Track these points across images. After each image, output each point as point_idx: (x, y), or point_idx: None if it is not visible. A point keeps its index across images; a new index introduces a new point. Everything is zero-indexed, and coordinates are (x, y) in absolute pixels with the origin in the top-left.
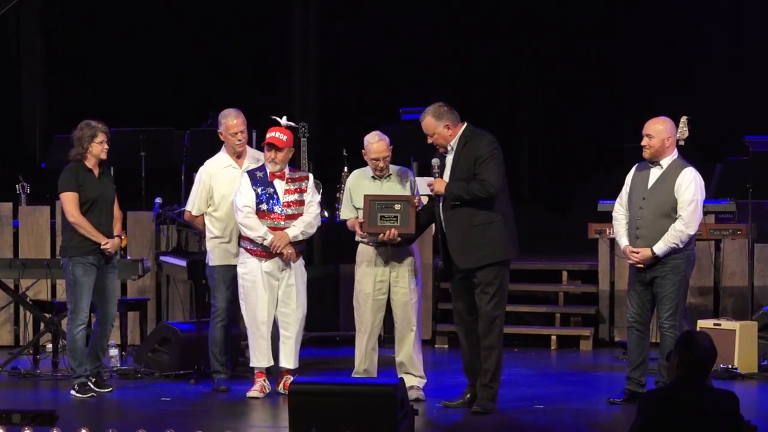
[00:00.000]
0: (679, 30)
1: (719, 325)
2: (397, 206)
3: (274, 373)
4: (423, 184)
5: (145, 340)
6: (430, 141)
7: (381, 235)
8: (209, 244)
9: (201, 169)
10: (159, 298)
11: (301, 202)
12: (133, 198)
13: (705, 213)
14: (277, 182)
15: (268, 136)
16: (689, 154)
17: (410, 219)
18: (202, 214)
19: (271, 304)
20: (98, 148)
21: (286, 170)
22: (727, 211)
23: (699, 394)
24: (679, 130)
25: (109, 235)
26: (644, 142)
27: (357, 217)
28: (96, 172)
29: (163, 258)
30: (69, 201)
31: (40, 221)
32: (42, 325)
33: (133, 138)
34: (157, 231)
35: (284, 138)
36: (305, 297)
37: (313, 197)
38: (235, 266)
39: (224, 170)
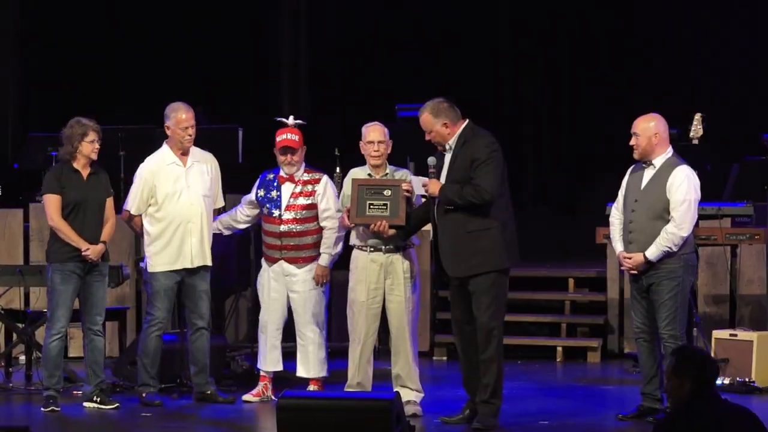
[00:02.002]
0: (693, 22)
1: (735, 335)
2: (387, 192)
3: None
4: (419, 183)
5: (124, 351)
6: (428, 138)
7: (372, 226)
8: (148, 249)
9: (142, 165)
10: (139, 307)
11: (307, 206)
12: None
13: (721, 216)
14: (285, 185)
15: (279, 139)
16: (704, 153)
17: (399, 208)
18: (141, 215)
19: (279, 310)
20: (88, 148)
21: (300, 172)
22: (744, 215)
23: (722, 412)
24: (693, 129)
25: (94, 240)
26: (632, 141)
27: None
28: (85, 173)
29: (143, 264)
30: (50, 204)
31: (12, 225)
32: (15, 336)
33: (112, 136)
34: (137, 236)
35: (296, 138)
36: (318, 303)
37: (327, 203)
38: (177, 271)
39: (168, 167)
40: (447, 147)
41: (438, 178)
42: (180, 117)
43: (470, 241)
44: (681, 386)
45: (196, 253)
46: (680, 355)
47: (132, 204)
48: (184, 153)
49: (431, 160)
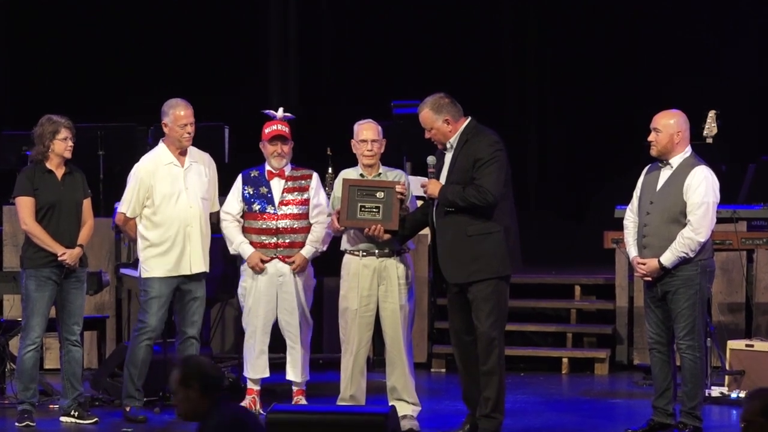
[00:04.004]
0: (707, 13)
1: (752, 346)
2: (380, 194)
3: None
4: (416, 183)
5: (104, 363)
6: (427, 136)
7: (366, 230)
8: (144, 254)
9: (137, 165)
10: (119, 315)
11: (302, 202)
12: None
13: (736, 220)
14: (274, 181)
15: (268, 130)
16: (718, 152)
17: (393, 211)
18: (135, 218)
19: (269, 313)
20: (61, 146)
21: (288, 168)
22: (761, 218)
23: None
24: (706, 126)
25: (71, 244)
26: (651, 137)
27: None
28: (59, 173)
29: (123, 271)
30: (22, 206)
31: None
32: None
33: (91, 134)
34: (116, 240)
35: (287, 129)
36: (307, 304)
37: (319, 200)
38: (175, 278)
39: (165, 167)
40: (448, 146)
41: (437, 178)
42: (179, 114)
43: (471, 246)
44: (188, 398)
45: (196, 260)
46: (184, 365)
47: (127, 206)
48: (182, 153)
49: (430, 159)
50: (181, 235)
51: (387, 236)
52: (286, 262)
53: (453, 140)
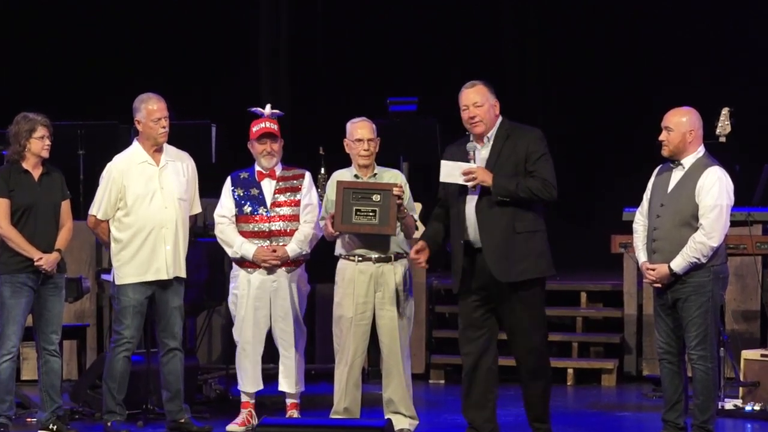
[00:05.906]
0: (717, 9)
1: (767, 356)
2: (376, 197)
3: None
4: (455, 170)
5: (84, 374)
6: (470, 115)
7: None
8: (116, 258)
9: (109, 165)
10: (100, 324)
11: (294, 203)
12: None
13: (751, 223)
14: (265, 182)
15: (256, 128)
16: (732, 152)
17: (390, 215)
18: (107, 220)
19: (262, 321)
20: (38, 145)
21: (279, 168)
22: None
23: None
24: (720, 125)
25: (48, 249)
26: (662, 136)
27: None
28: (36, 173)
29: (105, 277)
30: None
31: None
32: None
33: (70, 133)
34: (98, 244)
35: (275, 127)
36: (301, 311)
37: (310, 199)
38: (150, 284)
39: (139, 167)
40: (485, 140)
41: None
42: (151, 108)
43: (520, 243)
44: None
45: (171, 263)
46: None
47: (97, 207)
48: (158, 150)
49: (471, 145)
50: (154, 237)
51: (423, 263)
52: (281, 267)
53: (491, 134)
